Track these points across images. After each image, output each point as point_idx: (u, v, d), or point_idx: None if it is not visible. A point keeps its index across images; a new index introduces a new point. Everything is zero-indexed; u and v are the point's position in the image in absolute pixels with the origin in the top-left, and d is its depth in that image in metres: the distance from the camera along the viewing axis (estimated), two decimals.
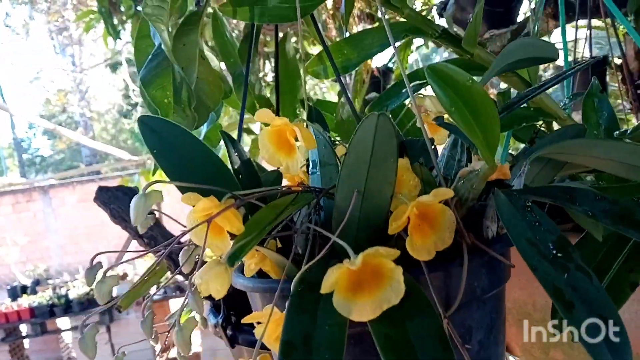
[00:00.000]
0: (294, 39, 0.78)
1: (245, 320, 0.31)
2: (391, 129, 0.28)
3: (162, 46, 0.56)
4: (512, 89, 0.65)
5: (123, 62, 5.59)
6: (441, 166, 0.38)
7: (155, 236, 0.69)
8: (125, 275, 3.68)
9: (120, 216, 0.70)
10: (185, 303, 0.31)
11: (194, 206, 0.33)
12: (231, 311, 0.58)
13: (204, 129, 0.75)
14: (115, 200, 0.71)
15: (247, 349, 0.58)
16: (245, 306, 0.47)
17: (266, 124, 0.40)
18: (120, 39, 2.54)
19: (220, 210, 0.31)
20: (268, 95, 0.79)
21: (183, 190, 0.32)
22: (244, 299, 0.49)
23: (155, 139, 0.33)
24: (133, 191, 0.74)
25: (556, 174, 0.41)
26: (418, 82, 0.64)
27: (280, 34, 0.73)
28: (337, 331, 0.25)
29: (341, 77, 0.58)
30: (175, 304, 3.46)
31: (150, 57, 0.61)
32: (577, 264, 0.26)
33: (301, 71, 0.53)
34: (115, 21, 2.37)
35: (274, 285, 0.33)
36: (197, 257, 0.35)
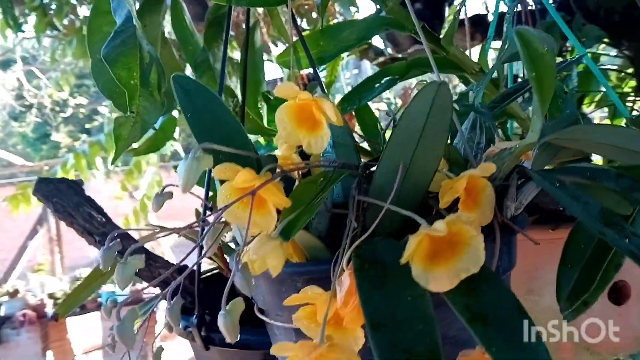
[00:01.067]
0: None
1: (287, 303, 0.29)
2: (449, 100, 0.28)
3: (134, 21, 0.51)
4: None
5: (17, 60, 5.06)
6: (460, 147, 0.38)
7: (107, 233, 0.62)
8: (16, 292, 3.31)
9: (65, 211, 0.62)
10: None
11: (222, 182, 0.30)
12: (205, 310, 0.53)
13: (160, 118, 0.70)
14: (57, 194, 0.63)
15: (219, 349, 0.54)
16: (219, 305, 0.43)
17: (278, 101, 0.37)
18: (23, 31, 2.32)
19: (264, 182, 0.28)
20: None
21: (216, 159, 0.29)
22: (217, 297, 0.45)
23: (187, 101, 0.30)
24: (77, 184, 0.66)
25: (551, 160, 0.43)
26: (390, 77, 0.65)
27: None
28: (422, 301, 0.23)
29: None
30: (73, 321, 3.10)
31: (112, 34, 0.55)
32: (632, 231, 0.27)
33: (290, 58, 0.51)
34: (17, 12, 2.17)
35: (318, 268, 0.31)
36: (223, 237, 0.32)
